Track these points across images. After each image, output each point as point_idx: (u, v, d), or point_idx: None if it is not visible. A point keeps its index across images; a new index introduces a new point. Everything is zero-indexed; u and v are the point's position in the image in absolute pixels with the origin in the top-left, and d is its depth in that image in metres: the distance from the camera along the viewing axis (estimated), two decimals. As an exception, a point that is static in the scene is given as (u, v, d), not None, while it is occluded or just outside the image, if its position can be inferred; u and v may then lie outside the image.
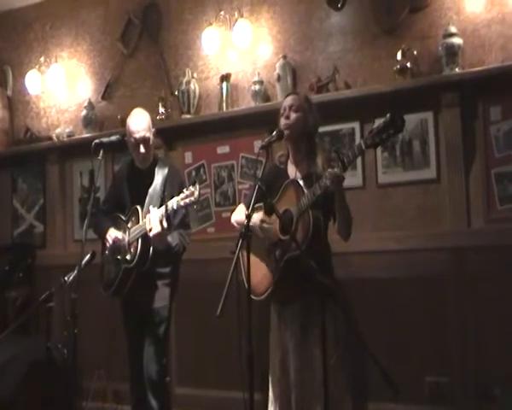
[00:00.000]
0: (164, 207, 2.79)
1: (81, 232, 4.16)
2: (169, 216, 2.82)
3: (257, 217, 2.57)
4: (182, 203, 2.72)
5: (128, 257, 2.95)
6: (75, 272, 2.76)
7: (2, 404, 3.42)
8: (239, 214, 2.78)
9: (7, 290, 4.39)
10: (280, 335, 2.61)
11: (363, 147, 2.27)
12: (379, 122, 3.31)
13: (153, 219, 2.80)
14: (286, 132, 2.60)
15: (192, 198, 2.68)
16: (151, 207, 2.86)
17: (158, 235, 2.79)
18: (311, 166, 2.59)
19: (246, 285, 2.34)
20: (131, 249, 2.96)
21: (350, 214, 2.52)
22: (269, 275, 2.55)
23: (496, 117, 3.16)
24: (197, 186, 2.68)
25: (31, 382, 3.56)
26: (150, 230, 2.80)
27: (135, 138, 2.99)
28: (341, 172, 2.31)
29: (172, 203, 2.75)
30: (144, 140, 3.00)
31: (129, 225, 3.02)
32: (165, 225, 2.79)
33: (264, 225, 2.57)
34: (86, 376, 3.96)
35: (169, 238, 2.90)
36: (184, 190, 2.74)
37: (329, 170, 2.33)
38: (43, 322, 4.11)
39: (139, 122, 3.02)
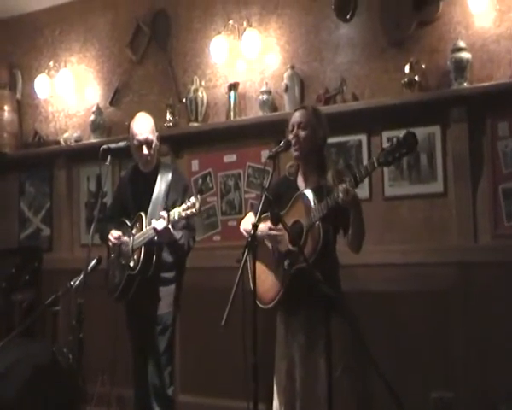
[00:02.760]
0: (166, 217, 2.80)
1: (87, 237, 4.20)
2: (173, 225, 2.84)
3: (265, 226, 2.57)
4: (183, 214, 2.75)
5: (131, 264, 2.97)
6: (81, 276, 2.78)
7: (6, 406, 3.44)
8: (247, 223, 2.77)
9: (13, 293, 4.40)
10: (286, 345, 2.61)
11: (376, 164, 2.27)
12: (386, 135, 3.39)
13: (157, 222, 2.84)
14: (296, 153, 2.61)
15: (193, 210, 2.71)
16: (153, 221, 2.87)
17: (163, 229, 2.81)
18: (321, 180, 2.59)
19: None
20: (135, 256, 2.97)
21: (364, 229, 2.51)
22: (277, 284, 2.56)
23: (504, 133, 3.15)
24: (199, 198, 2.71)
25: (35, 385, 3.57)
26: (155, 229, 2.82)
27: (138, 140, 3.01)
28: (353, 187, 2.31)
29: (174, 214, 2.78)
30: (147, 141, 3.01)
31: (133, 232, 3.03)
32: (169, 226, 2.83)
33: (273, 233, 2.57)
34: (90, 381, 3.96)
35: (174, 232, 2.91)
36: (186, 201, 2.76)
37: (341, 185, 2.33)
38: (49, 326, 4.16)
39: (142, 124, 3.05)
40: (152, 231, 2.86)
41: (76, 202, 4.65)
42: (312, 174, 2.65)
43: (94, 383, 3.92)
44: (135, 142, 3.03)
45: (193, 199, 2.72)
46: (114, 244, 3.08)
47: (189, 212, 2.73)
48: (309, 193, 2.55)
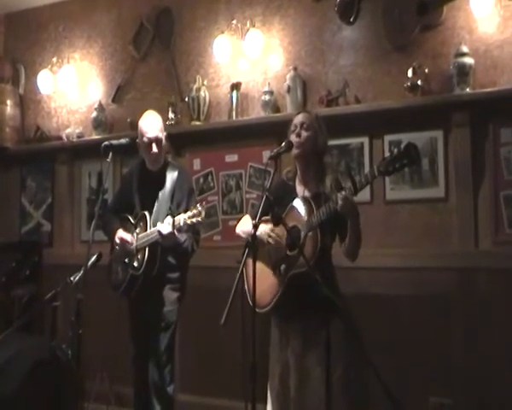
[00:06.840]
0: (171, 222, 2.80)
1: (88, 233, 4.21)
2: (178, 229, 2.84)
3: (265, 228, 2.57)
4: (188, 222, 2.76)
5: (135, 264, 2.98)
6: (81, 272, 2.79)
7: (4, 401, 3.45)
8: (245, 225, 2.77)
9: (13, 288, 4.41)
10: (280, 349, 2.61)
11: (376, 173, 2.26)
12: (388, 138, 3.39)
13: (163, 226, 2.84)
14: (297, 151, 2.60)
15: (199, 218, 2.73)
16: (158, 224, 2.88)
17: (168, 234, 2.82)
18: (320, 186, 2.58)
19: (249, 298, 2.37)
20: (139, 256, 2.98)
21: (361, 238, 2.51)
22: (272, 289, 2.55)
23: (506, 139, 3.14)
24: (204, 205, 2.73)
25: (33, 380, 3.57)
26: (160, 232, 2.83)
27: (148, 138, 3.01)
28: (352, 195, 2.31)
29: (180, 220, 2.78)
30: (157, 140, 3.02)
31: (137, 231, 3.04)
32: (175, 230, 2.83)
33: (273, 235, 2.56)
34: (89, 377, 3.97)
35: (178, 236, 2.91)
36: (192, 209, 2.77)
37: (340, 193, 2.33)
38: (48, 321, 4.17)
39: (152, 123, 3.05)
40: (156, 233, 2.87)
41: (77, 198, 4.65)
42: (311, 181, 2.64)
43: (93, 379, 3.93)
44: (144, 139, 3.02)
45: (199, 207, 2.73)
46: (120, 246, 3.07)
47: (194, 220, 2.74)
48: (307, 199, 2.55)
